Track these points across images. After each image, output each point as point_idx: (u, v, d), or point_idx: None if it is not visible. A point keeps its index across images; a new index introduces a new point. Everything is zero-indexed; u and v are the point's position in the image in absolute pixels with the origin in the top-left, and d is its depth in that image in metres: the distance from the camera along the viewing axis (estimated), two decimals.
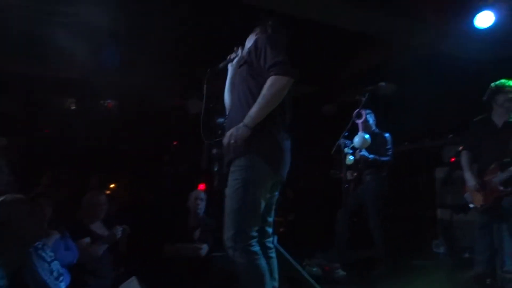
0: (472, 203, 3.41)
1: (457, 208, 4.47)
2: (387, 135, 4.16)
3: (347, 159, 3.87)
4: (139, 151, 6.34)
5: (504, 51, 4.42)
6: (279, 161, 2.07)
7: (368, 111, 4.16)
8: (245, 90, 2.13)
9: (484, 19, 3.91)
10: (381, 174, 4.09)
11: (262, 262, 1.96)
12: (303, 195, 6.28)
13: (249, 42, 2.35)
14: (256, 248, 1.96)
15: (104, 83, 5.30)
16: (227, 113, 2.34)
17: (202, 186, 5.48)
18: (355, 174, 4.14)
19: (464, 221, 4.36)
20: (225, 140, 2.02)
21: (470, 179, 3.39)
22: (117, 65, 4.87)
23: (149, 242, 3.82)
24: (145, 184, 6.51)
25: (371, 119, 4.21)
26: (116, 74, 5.16)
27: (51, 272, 2.41)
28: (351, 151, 3.88)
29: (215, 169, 4.00)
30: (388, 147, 4.11)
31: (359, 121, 3.89)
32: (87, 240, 3.14)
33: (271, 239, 2.22)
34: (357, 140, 3.76)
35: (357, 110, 3.85)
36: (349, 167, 4.05)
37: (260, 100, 1.99)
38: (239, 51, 2.34)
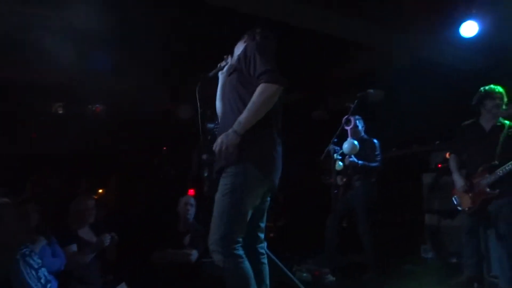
0: (460, 205, 3.46)
1: (444, 213, 4.53)
2: (375, 141, 4.22)
3: (337, 165, 3.91)
4: (128, 156, 6.29)
5: (489, 60, 4.53)
6: (271, 168, 2.08)
7: (357, 117, 4.22)
8: (235, 97, 2.14)
9: (469, 29, 4.02)
10: (370, 179, 4.14)
11: (247, 265, 1.96)
12: (293, 201, 6.30)
13: (238, 49, 2.37)
14: (240, 251, 1.97)
15: (92, 88, 5.26)
16: (218, 120, 2.35)
17: (191, 192, 5.46)
18: (344, 179, 4.17)
19: (451, 226, 4.42)
20: (216, 147, 2.03)
21: (459, 180, 3.43)
22: (106, 69, 4.84)
23: (138, 248, 3.79)
24: (134, 189, 6.45)
25: (360, 125, 4.26)
26: (105, 78, 5.13)
27: (39, 279, 2.38)
28: (340, 157, 3.92)
29: (205, 174, 3.98)
30: (376, 153, 4.16)
31: (348, 128, 3.95)
32: (74, 246, 3.10)
33: (263, 244, 2.23)
34: (346, 146, 3.80)
35: (346, 116, 3.91)
36: (339, 172, 4.09)
37: (250, 106, 2.00)
38: (229, 59, 2.35)
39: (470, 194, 3.34)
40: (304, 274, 3.80)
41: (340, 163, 3.92)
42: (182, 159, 6.48)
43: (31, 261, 2.39)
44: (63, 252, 2.94)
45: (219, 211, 1.99)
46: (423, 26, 4.18)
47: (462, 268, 3.54)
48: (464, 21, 4.00)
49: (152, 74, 5.13)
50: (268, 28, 2.33)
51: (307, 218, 5.77)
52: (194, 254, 3.67)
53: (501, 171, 3.14)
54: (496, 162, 3.18)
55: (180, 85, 5.51)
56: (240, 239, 1.99)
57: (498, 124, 3.34)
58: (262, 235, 2.23)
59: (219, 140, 2.03)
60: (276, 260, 2.98)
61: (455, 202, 3.51)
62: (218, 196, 2.03)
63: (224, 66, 2.36)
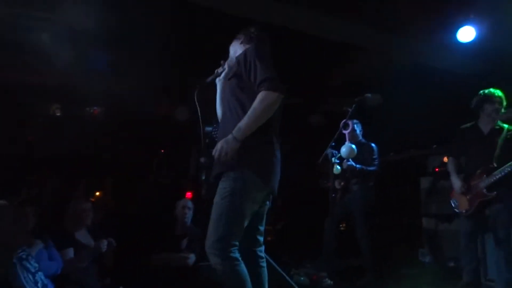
0: (457, 208, 3.46)
1: (442, 217, 4.54)
2: (373, 145, 4.23)
3: (334, 169, 3.91)
4: (126, 159, 6.27)
5: (486, 64, 4.56)
6: (270, 174, 2.09)
7: (355, 121, 4.24)
8: (235, 102, 2.14)
9: (467, 34, 4.05)
10: (368, 183, 4.14)
11: (243, 268, 1.96)
12: (291, 204, 6.30)
13: (232, 49, 2.37)
14: (236, 254, 1.97)
15: (90, 90, 5.25)
16: (218, 124, 2.35)
17: (189, 195, 5.45)
18: (342, 183, 4.18)
19: (449, 230, 4.43)
20: (216, 154, 2.03)
21: (457, 182, 3.44)
22: (103, 71, 4.83)
23: (136, 251, 3.77)
24: (132, 192, 6.43)
25: (358, 129, 4.28)
26: (103, 80, 5.12)
27: (36, 283, 2.36)
28: (338, 161, 3.92)
29: (203, 177, 3.98)
30: (374, 157, 4.17)
31: (346, 132, 3.96)
32: (71, 250, 3.08)
33: (262, 248, 2.23)
34: (344, 150, 3.81)
35: (344, 120, 3.91)
36: (337, 176, 4.09)
37: (250, 113, 2.00)
38: (226, 65, 2.35)
39: (467, 196, 3.34)
40: (302, 278, 3.79)
41: (338, 167, 3.93)
42: (180, 162, 6.47)
43: (28, 265, 2.38)
44: (60, 255, 2.93)
45: (217, 214, 1.99)
46: (421, 31, 4.21)
47: (459, 272, 3.53)
48: (462, 26, 4.04)
49: (150, 76, 5.12)
50: (261, 28, 2.33)
51: (305, 222, 5.77)
52: (192, 257, 3.66)
53: (499, 174, 3.15)
54: (495, 164, 3.20)
55: (178, 88, 5.51)
56: (237, 243, 1.99)
57: (497, 127, 3.36)
58: (261, 238, 2.23)
59: (218, 145, 2.03)
60: (274, 264, 2.98)
61: (453, 205, 3.51)
62: (217, 199, 2.03)
63: (221, 72, 2.36)
